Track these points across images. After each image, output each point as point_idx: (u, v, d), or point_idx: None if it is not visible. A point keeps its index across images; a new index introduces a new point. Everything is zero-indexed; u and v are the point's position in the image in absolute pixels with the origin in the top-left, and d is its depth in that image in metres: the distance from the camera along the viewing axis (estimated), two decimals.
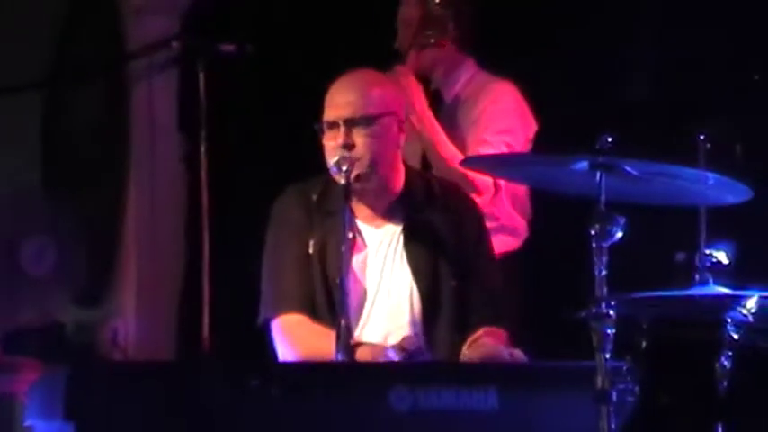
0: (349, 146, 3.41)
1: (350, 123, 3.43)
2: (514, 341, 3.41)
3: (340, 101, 3.46)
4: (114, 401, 2.81)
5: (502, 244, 4.03)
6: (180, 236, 4.62)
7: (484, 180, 3.97)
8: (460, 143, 4.05)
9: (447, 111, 4.16)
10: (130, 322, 4.64)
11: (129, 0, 4.65)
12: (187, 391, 2.85)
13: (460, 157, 3.96)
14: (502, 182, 4.03)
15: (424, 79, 4.14)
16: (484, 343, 3.36)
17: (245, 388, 2.84)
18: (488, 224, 3.77)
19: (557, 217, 3.59)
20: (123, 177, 4.69)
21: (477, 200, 3.89)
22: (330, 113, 3.47)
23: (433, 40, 4.11)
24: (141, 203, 4.70)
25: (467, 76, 4.17)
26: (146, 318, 4.65)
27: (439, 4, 4.09)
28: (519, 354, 3.25)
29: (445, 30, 4.10)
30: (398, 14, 4.19)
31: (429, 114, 4.05)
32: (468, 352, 3.36)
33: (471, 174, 3.91)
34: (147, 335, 4.62)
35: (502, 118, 4.06)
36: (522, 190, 4.13)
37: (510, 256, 4.08)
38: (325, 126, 3.46)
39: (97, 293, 4.69)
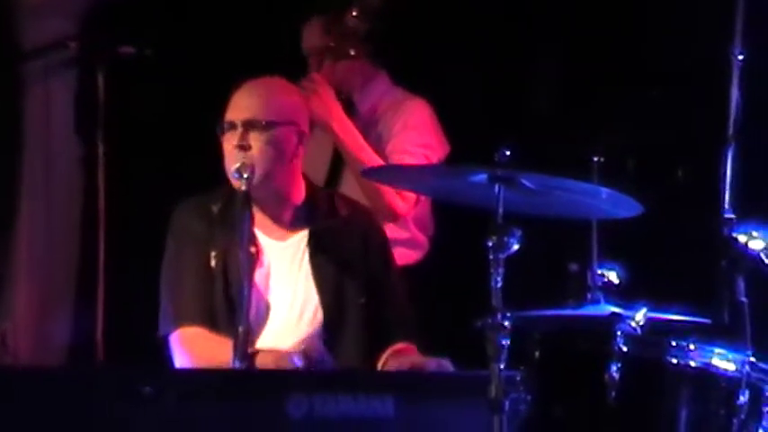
0: (244, 147, 3.41)
1: (248, 125, 3.43)
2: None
3: (241, 103, 3.47)
4: (1, 408, 2.75)
5: (403, 256, 4.08)
6: (75, 239, 4.56)
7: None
8: (378, 155, 4.07)
9: (361, 123, 4.18)
10: (21, 325, 4.55)
11: None
12: (78, 398, 2.81)
13: (382, 163, 3.99)
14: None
15: (336, 91, 4.16)
16: (407, 354, 3.37)
17: (137, 395, 2.80)
18: (400, 234, 3.80)
19: (461, 229, 3.64)
20: (17, 180, 4.60)
21: (401, 206, 3.92)
22: (230, 114, 3.47)
23: (353, 52, 4.14)
24: (36, 207, 4.62)
25: (380, 90, 4.23)
26: (38, 321, 4.57)
27: (356, 17, 4.13)
28: (446, 363, 3.27)
29: (361, 43, 4.13)
30: (302, 42, 4.21)
31: (349, 123, 4.08)
32: (391, 364, 3.35)
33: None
34: (39, 338, 4.54)
35: (421, 134, 4.12)
36: (422, 208, 4.18)
37: (409, 269, 4.12)
38: (224, 126, 3.47)
39: None
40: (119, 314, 3.83)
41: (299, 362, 3.21)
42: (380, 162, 4.00)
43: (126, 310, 3.78)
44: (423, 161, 4.05)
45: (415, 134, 4.11)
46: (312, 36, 4.17)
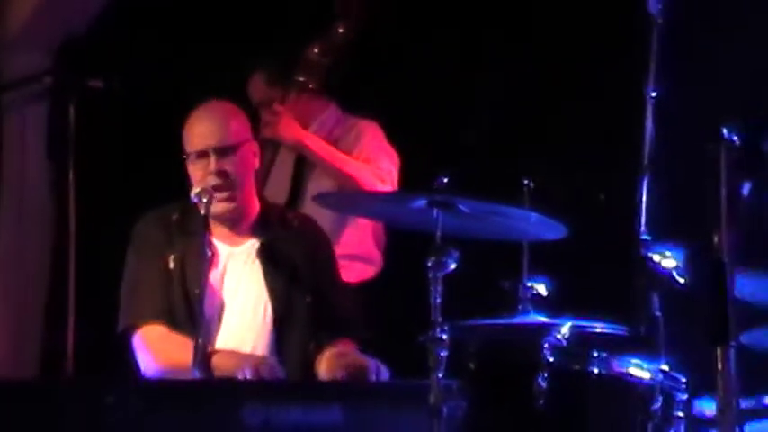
0: (222, 173, 3.58)
1: (220, 152, 3.60)
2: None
3: (205, 131, 3.62)
4: None
5: (360, 272, 4.31)
6: (47, 258, 4.71)
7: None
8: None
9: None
10: None
11: (2, 35, 4.76)
12: (45, 409, 2.95)
13: (361, 165, 4.20)
14: None
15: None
16: (348, 353, 3.56)
17: (101, 405, 2.93)
18: (357, 250, 4.05)
19: (408, 252, 3.86)
20: None
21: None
22: (197, 143, 3.62)
23: (312, 86, 4.36)
24: (9, 227, 4.79)
25: (334, 119, 4.44)
26: (11, 341, 4.72)
27: (318, 53, 4.33)
28: (383, 366, 3.47)
29: (322, 77, 4.34)
30: (250, 96, 4.40)
31: (319, 139, 4.31)
32: (332, 362, 3.53)
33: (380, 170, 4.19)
34: (12, 356, 4.68)
35: (379, 142, 4.34)
36: (379, 223, 4.41)
37: (366, 284, 4.35)
38: (193, 156, 3.62)
39: None
40: (88, 334, 3.99)
41: (249, 374, 3.37)
42: (360, 165, 4.21)
43: (95, 330, 3.94)
44: (389, 164, 4.27)
45: (374, 143, 4.32)
46: (257, 89, 4.38)
